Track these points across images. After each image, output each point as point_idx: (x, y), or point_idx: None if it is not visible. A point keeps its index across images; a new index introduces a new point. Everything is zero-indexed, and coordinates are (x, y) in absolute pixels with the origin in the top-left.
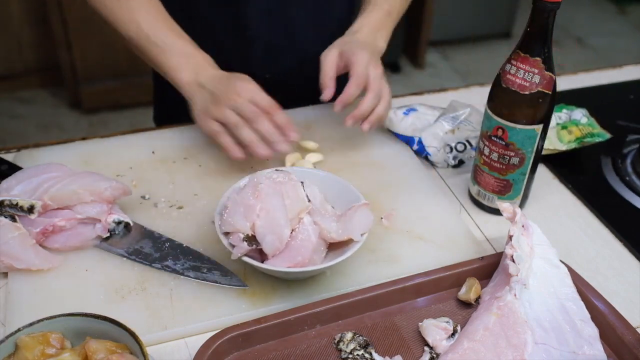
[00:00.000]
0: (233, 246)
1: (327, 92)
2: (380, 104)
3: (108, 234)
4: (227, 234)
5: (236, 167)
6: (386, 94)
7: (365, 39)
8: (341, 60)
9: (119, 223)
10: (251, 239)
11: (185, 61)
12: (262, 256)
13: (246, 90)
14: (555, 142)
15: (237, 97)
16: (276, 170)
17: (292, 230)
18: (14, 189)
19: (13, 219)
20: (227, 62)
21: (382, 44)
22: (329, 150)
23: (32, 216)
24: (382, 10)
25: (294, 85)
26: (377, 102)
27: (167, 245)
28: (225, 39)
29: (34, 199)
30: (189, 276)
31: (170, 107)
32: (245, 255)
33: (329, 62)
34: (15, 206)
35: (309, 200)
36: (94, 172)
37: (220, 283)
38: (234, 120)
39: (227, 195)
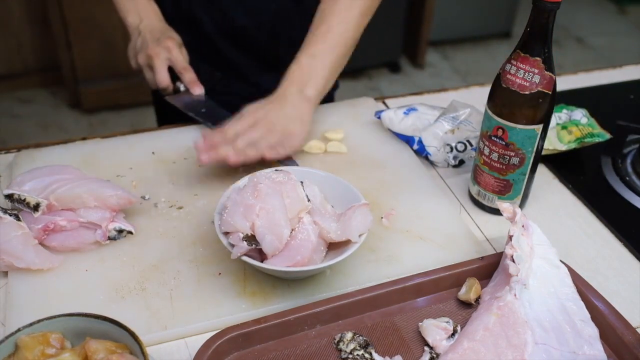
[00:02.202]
0: (233, 246)
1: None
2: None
3: (107, 241)
4: (226, 233)
5: (235, 167)
6: (253, 153)
7: (281, 92)
8: None
9: (120, 231)
10: (251, 239)
11: (134, 7)
12: (261, 256)
13: (165, 48)
14: (555, 142)
15: (157, 52)
16: (276, 170)
17: (292, 230)
18: (26, 185)
19: (17, 217)
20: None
21: (310, 92)
22: (329, 150)
23: (36, 214)
24: (304, 58)
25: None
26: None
27: None
28: None
29: (41, 198)
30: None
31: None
32: (245, 254)
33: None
34: (22, 201)
35: (309, 200)
36: (104, 179)
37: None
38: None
39: (226, 195)
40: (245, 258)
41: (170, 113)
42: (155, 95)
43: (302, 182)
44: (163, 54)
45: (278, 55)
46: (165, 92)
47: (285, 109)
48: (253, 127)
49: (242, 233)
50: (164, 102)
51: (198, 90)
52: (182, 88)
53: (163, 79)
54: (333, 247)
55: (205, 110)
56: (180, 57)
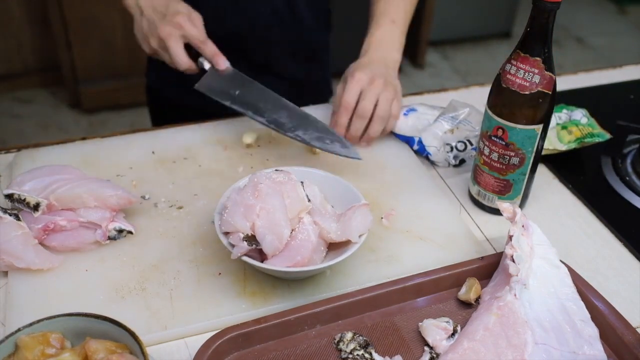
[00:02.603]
0: (233, 246)
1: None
2: (373, 124)
3: (107, 241)
4: (226, 233)
5: (235, 166)
6: (382, 110)
7: (372, 57)
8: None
9: (120, 231)
10: (251, 239)
11: None
12: (261, 256)
13: (176, 26)
14: (555, 142)
15: (169, 32)
16: (276, 170)
17: (292, 230)
18: (26, 185)
19: (17, 217)
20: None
21: (395, 55)
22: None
23: (36, 214)
24: (385, 23)
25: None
26: (363, 123)
27: (298, 115)
28: None
29: (41, 197)
30: (314, 145)
31: (165, 109)
32: (245, 255)
33: (337, 93)
34: (22, 201)
35: (309, 200)
36: (104, 179)
37: (339, 154)
38: (162, 50)
39: (226, 195)
40: (245, 258)
41: (167, 112)
42: (150, 95)
43: (302, 182)
44: (175, 32)
45: (270, 59)
46: (189, 72)
47: (383, 70)
48: (370, 83)
49: (243, 233)
50: (159, 101)
51: (222, 63)
52: (206, 65)
53: (182, 61)
54: (333, 247)
55: (238, 92)
56: (194, 31)
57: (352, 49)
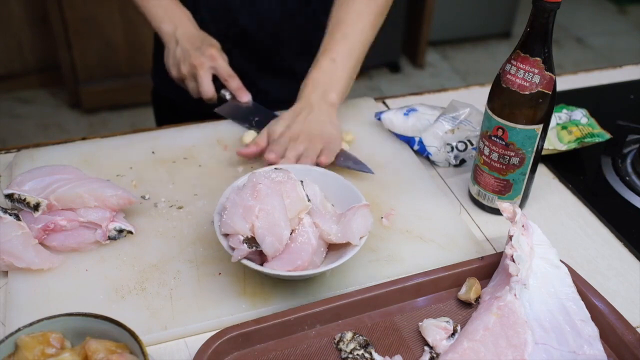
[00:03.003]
0: (233, 249)
1: (243, 151)
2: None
3: (107, 241)
4: (226, 235)
5: (235, 166)
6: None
7: (306, 102)
8: None
9: (120, 231)
10: (251, 241)
11: (167, 14)
12: (262, 257)
13: (209, 57)
14: (555, 142)
15: (202, 61)
16: (275, 168)
17: (292, 230)
18: (26, 185)
19: (17, 217)
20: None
21: (331, 97)
22: None
23: (36, 214)
24: (324, 62)
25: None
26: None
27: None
28: None
29: (41, 197)
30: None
31: (169, 108)
32: (245, 257)
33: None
34: (22, 201)
35: (309, 200)
36: (104, 179)
37: (352, 168)
38: (191, 77)
39: (226, 194)
40: (245, 261)
41: (169, 113)
42: (155, 95)
43: (301, 181)
44: (207, 63)
45: (283, 60)
46: (209, 102)
47: (316, 116)
48: (295, 140)
49: (242, 235)
50: (163, 102)
51: (245, 97)
52: (227, 96)
53: (208, 89)
54: (333, 247)
55: (258, 118)
56: (225, 65)
57: None
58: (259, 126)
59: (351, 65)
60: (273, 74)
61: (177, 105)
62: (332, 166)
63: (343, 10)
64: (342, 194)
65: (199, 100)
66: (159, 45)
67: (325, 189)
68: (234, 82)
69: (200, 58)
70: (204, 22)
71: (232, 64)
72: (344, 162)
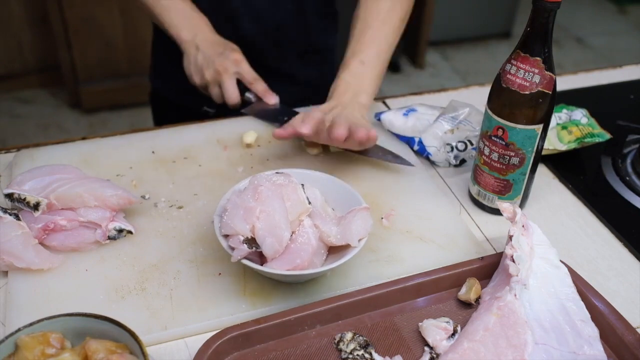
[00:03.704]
0: (233, 249)
1: (279, 131)
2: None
3: (107, 240)
4: (226, 236)
5: (235, 166)
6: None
7: (340, 100)
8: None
9: (120, 231)
10: (251, 242)
11: (185, 21)
12: (262, 258)
13: (233, 62)
14: (555, 142)
15: (226, 66)
16: (276, 172)
17: (293, 232)
18: (26, 184)
19: (17, 217)
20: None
21: (363, 98)
22: (329, 150)
23: (36, 213)
24: (354, 64)
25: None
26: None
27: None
28: None
29: (41, 197)
30: (368, 155)
31: (169, 110)
32: (245, 257)
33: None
34: (22, 201)
35: (310, 203)
36: (104, 179)
37: (390, 161)
38: (215, 83)
39: (226, 197)
40: (245, 261)
41: (168, 114)
42: (153, 97)
43: (302, 184)
44: (232, 68)
45: (283, 65)
46: (233, 107)
47: (350, 112)
48: (331, 109)
49: (242, 236)
50: (162, 103)
51: (273, 99)
52: (252, 99)
53: (233, 95)
54: (334, 249)
55: (287, 118)
56: (249, 69)
57: None
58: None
59: (380, 67)
60: (274, 79)
61: (176, 107)
62: (370, 158)
63: (369, 14)
64: (342, 197)
65: (199, 102)
66: (158, 46)
67: (326, 193)
68: (260, 86)
69: (224, 63)
70: None
71: None
72: (383, 156)
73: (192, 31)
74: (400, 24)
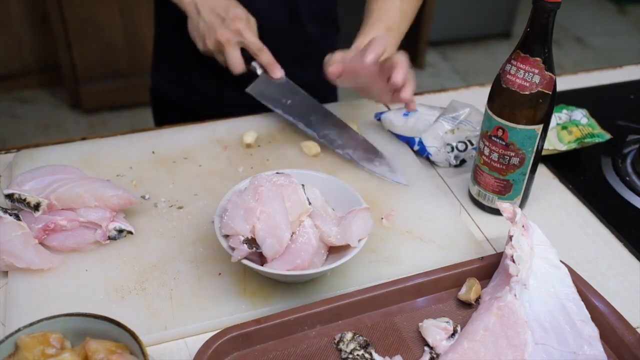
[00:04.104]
0: (233, 249)
1: (332, 68)
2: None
3: (107, 241)
4: (226, 236)
5: (235, 166)
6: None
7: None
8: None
9: (120, 231)
10: (251, 242)
11: None
12: (262, 258)
13: (235, 32)
14: (555, 142)
15: (227, 37)
16: (277, 173)
17: (293, 233)
18: (26, 184)
19: (17, 217)
20: None
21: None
22: (329, 150)
23: (37, 214)
24: (380, 29)
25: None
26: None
27: (347, 133)
28: None
29: (41, 197)
30: (363, 166)
31: (169, 106)
32: (245, 257)
33: (338, 56)
34: (23, 201)
35: (310, 203)
36: (104, 179)
37: (385, 177)
38: (218, 52)
39: (227, 197)
40: (245, 261)
41: (169, 111)
42: (154, 95)
43: (303, 185)
44: (234, 38)
45: (282, 67)
46: (239, 75)
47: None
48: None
49: (243, 236)
50: (163, 100)
51: (278, 72)
52: (258, 70)
53: (237, 66)
54: (334, 249)
55: (290, 101)
56: (253, 39)
57: None
58: (291, 111)
59: (402, 35)
60: None
61: (178, 106)
62: (363, 169)
63: (379, 6)
64: (342, 198)
65: (198, 97)
66: (159, 43)
67: (326, 193)
68: (265, 56)
69: (225, 33)
70: None
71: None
72: (380, 169)
73: None
74: (411, 14)
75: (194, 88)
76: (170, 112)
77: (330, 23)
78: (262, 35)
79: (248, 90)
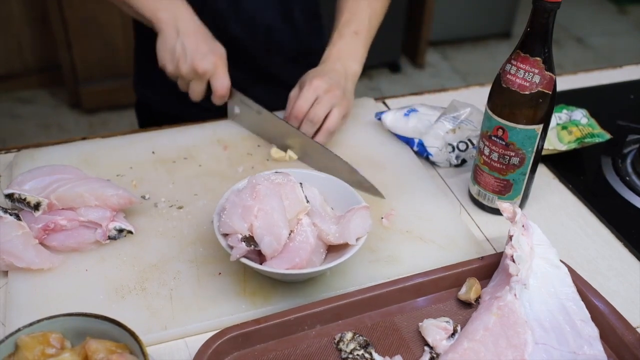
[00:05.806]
0: (231, 247)
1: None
2: (319, 135)
3: (107, 240)
4: (225, 235)
5: (235, 166)
6: (331, 123)
7: (332, 67)
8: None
9: (120, 231)
10: (250, 240)
11: (165, 3)
12: (260, 257)
13: (208, 72)
14: (555, 142)
15: (198, 72)
16: (275, 172)
17: (291, 231)
18: (26, 184)
19: (18, 217)
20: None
21: (355, 67)
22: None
23: (37, 213)
24: (348, 34)
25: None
26: (314, 128)
27: (328, 156)
28: None
29: (41, 197)
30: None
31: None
32: (244, 256)
33: (292, 97)
34: (23, 201)
35: (308, 201)
36: (104, 179)
37: (363, 190)
38: (187, 79)
39: (226, 196)
40: (244, 260)
41: (155, 114)
42: (139, 106)
43: (300, 183)
44: (210, 72)
45: (272, 68)
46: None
47: (342, 80)
48: (327, 92)
49: (241, 234)
50: (148, 112)
51: (218, 100)
52: (236, 110)
53: (199, 97)
54: (333, 248)
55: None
56: (226, 80)
57: None
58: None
59: (369, 40)
60: (262, 82)
61: (164, 115)
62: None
63: (349, 8)
64: (342, 197)
65: (184, 107)
66: (140, 51)
67: (325, 192)
68: (219, 100)
69: (205, 65)
70: None
71: None
72: (356, 183)
73: (172, 12)
74: (385, 2)
75: (182, 96)
76: (159, 114)
77: (318, 19)
78: (255, 35)
79: (229, 119)
